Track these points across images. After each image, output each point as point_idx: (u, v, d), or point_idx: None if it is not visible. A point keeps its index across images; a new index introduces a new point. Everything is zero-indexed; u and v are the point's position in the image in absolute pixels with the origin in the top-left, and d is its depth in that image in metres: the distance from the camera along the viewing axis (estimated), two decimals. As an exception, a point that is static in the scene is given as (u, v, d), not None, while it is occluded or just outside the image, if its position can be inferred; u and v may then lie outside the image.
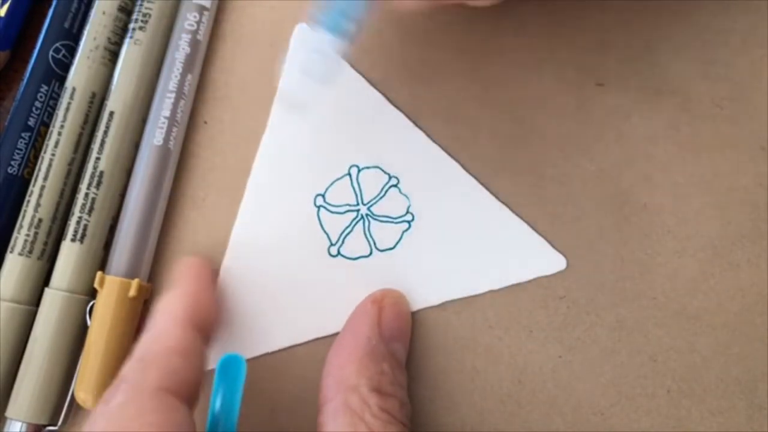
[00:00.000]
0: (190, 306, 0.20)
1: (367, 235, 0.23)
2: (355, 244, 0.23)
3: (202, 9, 0.25)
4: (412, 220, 0.23)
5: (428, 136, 0.23)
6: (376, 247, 0.23)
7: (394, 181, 0.23)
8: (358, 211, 0.23)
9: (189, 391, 0.18)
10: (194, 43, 0.25)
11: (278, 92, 0.24)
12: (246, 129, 0.25)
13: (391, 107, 0.24)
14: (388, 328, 0.20)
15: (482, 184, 0.23)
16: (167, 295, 0.21)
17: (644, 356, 0.21)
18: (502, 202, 0.22)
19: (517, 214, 0.22)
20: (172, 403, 0.17)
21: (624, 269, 0.22)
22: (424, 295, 0.22)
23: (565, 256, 0.22)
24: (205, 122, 0.25)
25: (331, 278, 0.23)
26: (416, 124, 0.23)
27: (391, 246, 0.23)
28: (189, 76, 0.24)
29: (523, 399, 0.21)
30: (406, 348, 0.21)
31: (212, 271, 0.23)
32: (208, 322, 0.21)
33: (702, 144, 0.22)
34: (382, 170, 0.23)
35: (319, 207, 0.23)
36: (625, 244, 0.22)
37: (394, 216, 0.23)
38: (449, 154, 0.23)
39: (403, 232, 0.23)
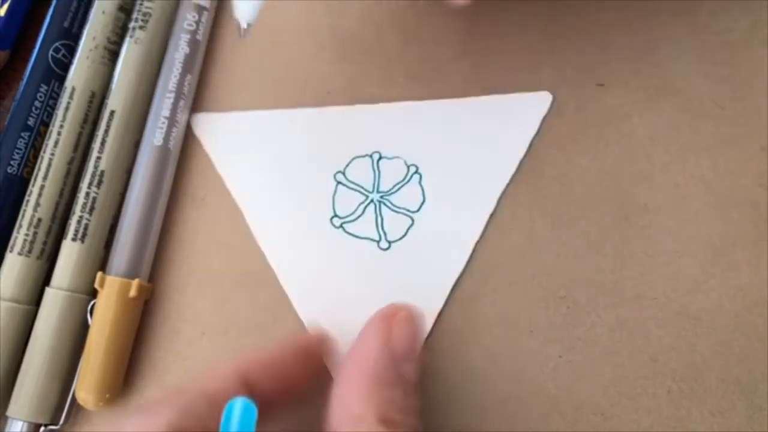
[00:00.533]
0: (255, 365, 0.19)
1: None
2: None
3: (201, 9, 0.25)
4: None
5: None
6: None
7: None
8: (369, 195, 0.23)
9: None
10: (194, 43, 0.25)
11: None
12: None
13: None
14: (399, 348, 0.19)
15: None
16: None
17: (644, 356, 0.21)
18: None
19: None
20: None
21: (624, 269, 0.22)
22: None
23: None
24: (205, 122, 0.25)
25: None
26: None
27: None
28: (189, 76, 0.24)
29: (523, 399, 0.21)
30: (418, 367, 0.19)
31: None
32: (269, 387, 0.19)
33: (702, 144, 0.22)
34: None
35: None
36: (626, 244, 0.22)
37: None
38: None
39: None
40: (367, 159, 0.24)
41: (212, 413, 0.17)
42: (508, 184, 0.23)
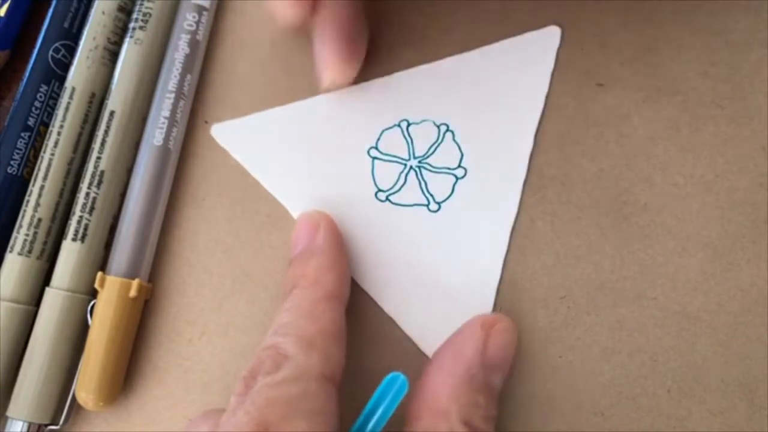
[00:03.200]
0: (338, 282, 0.20)
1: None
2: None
3: (201, 9, 0.25)
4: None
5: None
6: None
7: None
8: (407, 163, 0.23)
9: (339, 377, 0.18)
10: (194, 43, 0.25)
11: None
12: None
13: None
14: (492, 357, 0.19)
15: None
16: (311, 260, 0.20)
17: (644, 356, 0.21)
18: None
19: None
20: (330, 391, 0.17)
21: (624, 269, 0.22)
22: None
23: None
24: (206, 122, 0.25)
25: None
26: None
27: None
28: (189, 76, 0.24)
29: (523, 399, 0.21)
30: (505, 380, 0.20)
31: (340, 233, 0.22)
32: (348, 298, 0.21)
33: (702, 144, 0.22)
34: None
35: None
36: (625, 244, 0.22)
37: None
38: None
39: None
40: (396, 129, 0.24)
41: (341, 353, 0.19)
42: (538, 126, 0.23)
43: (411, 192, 0.23)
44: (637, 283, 0.21)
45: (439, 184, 0.23)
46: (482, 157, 0.23)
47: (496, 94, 0.23)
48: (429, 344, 0.22)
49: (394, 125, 0.24)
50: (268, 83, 0.25)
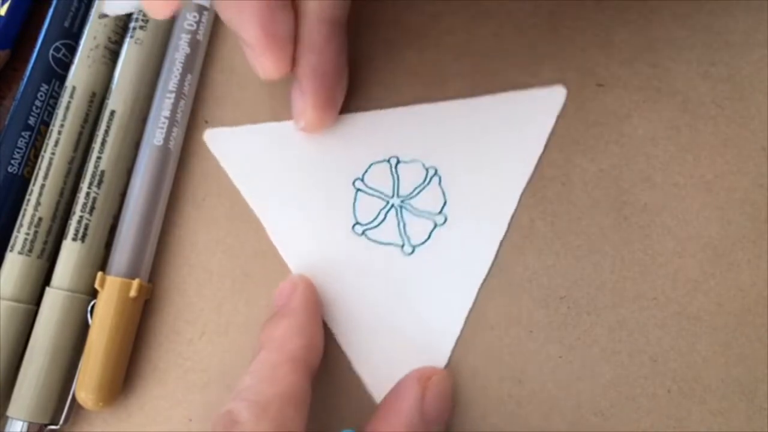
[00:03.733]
0: (305, 346, 0.20)
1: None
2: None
3: (201, 9, 0.25)
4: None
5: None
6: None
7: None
8: (389, 200, 0.23)
9: None
10: (194, 43, 0.25)
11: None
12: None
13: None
14: (430, 411, 0.19)
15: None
16: (281, 322, 0.20)
17: (644, 356, 0.21)
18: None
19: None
20: None
21: (624, 269, 0.22)
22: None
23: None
24: (206, 122, 0.25)
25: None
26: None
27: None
28: (189, 76, 0.24)
29: (523, 399, 0.21)
30: (444, 428, 0.20)
31: (318, 298, 0.22)
32: (317, 363, 0.20)
33: (702, 144, 0.22)
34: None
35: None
36: (626, 244, 0.22)
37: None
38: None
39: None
40: (385, 164, 0.23)
41: (298, 418, 0.18)
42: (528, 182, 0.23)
43: (388, 230, 0.23)
44: (637, 284, 0.21)
45: (417, 228, 0.23)
46: (465, 208, 0.23)
47: (490, 147, 0.23)
48: (378, 391, 0.21)
49: (384, 160, 0.23)
50: (268, 83, 0.25)
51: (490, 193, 0.23)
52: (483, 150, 0.23)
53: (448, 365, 0.21)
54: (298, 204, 0.24)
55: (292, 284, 0.22)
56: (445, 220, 0.22)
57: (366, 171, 0.23)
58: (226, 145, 0.25)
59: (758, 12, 0.23)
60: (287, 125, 0.24)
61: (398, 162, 0.23)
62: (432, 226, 0.23)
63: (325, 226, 0.23)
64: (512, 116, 0.23)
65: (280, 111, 0.25)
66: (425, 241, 0.22)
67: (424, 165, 0.23)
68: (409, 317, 0.22)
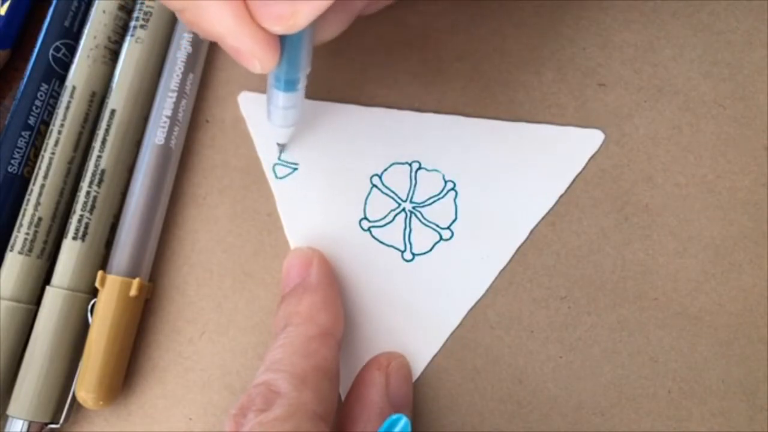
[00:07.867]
0: (333, 319, 0.20)
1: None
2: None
3: (202, 8, 0.25)
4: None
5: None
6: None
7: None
8: (402, 203, 0.23)
9: (332, 416, 0.18)
10: (196, 42, 0.25)
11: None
12: (247, 128, 0.25)
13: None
14: (397, 396, 0.20)
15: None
16: (304, 297, 0.20)
17: (645, 357, 0.21)
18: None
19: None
20: (322, 430, 0.17)
21: (625, 269, 0.22)
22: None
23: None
24: (207, 121, 0.25)
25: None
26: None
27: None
28: (191, 75, 0.24)
29: (523, 399, 0.21)
30: (412, 413, 0.21)
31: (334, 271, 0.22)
32: (341, 337, 0.20)
33: (704, 144, 0.22)
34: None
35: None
36: (626, 244, 0.22)
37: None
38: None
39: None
40: (406, 167, 0.23)
41: (334, 392, 0.18)
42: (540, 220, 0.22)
43: (393, 233, 0.23)
44: (638, 284, 0.21)
45: (422, 237, 0.22)
46: (473, 230, 0.22)
47: (514, 176, 0.23)
48: (344, 388, 0.21)
49: (405, 162, 0.23)
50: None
51: (502, 221, 0.22)
52: (506, 176, 0.23)
53: (419, 378, 0.22)
54: (312, 183, 0.23)
55: (305, 258, 0.21)
56: (452, 236, 0.22)
57: (386, 169, 0.23)
58: (258, 110, 0.24)
59: (759, 12, 0.23)
60: (322, 104, 0.24)
61: (419, 167, 0.23)
62: (437, 238, 0.22)
63: (334, 213, 0.23)
64: (545, 150, 0.23)
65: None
66: (427, 252, 0.22)
67: (444, 177, 0.23)
68: (394, 325, 0.22)
